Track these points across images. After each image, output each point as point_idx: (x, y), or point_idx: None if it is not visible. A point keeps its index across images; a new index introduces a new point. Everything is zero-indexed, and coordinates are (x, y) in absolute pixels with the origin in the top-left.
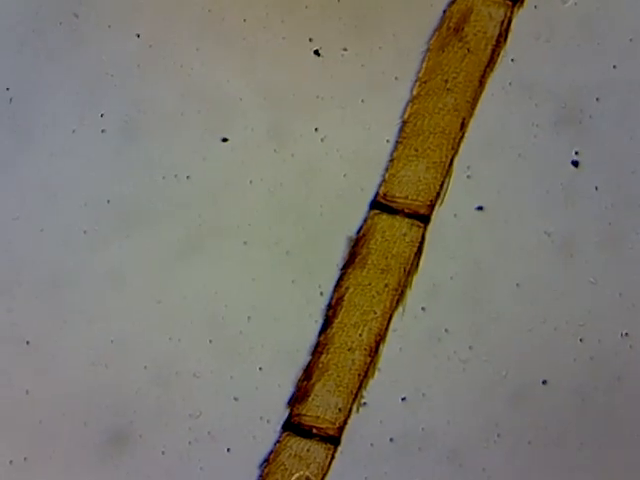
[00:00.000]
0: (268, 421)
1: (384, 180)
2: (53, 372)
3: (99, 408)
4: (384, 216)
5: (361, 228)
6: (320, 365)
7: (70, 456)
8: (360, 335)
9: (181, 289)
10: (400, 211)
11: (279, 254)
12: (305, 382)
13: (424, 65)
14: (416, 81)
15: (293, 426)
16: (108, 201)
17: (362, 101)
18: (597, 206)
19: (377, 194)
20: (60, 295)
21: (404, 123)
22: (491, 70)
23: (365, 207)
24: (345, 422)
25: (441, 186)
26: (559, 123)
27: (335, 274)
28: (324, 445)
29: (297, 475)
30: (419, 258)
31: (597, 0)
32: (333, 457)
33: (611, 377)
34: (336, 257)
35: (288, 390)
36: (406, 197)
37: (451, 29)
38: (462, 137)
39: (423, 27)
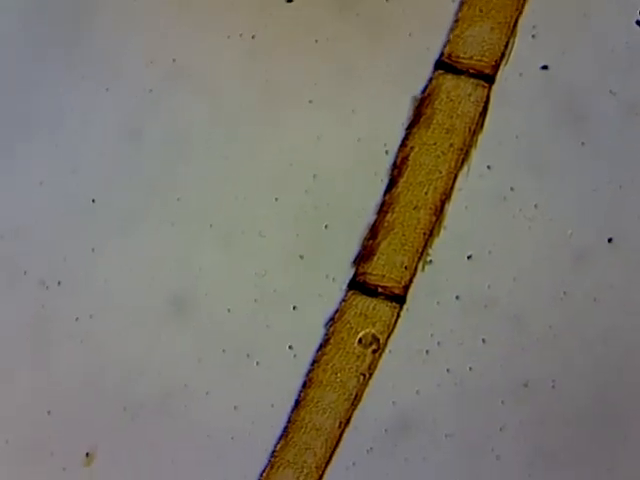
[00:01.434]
0: (334, 279)
1: (449, 41)
2: (119, 233)
3: (165, 266)
4: (449, 76)
5: (426, 88)
6: (386, 224)
7: (137, 314)
8: (425, 194)
9: (247, 147)
10: (465, 71)
11: (344, 113)
12: (371, 241)
13: None
14: None
15: (359, 285)
16: None
17: None
18: None
19: (442, 54)
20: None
21: None
22: None
23: (430, 67)
24: (410, 280)
25: (506, 46)
26: None
27: (400, 134)
28: (389, 304)
29: (363, 333)
30: (484, 118)
31: None
32: (399, 315)
33: None
34: (401, 117)
35: (353, 249)
36: (471, 57)
37: None
38: None
39: None
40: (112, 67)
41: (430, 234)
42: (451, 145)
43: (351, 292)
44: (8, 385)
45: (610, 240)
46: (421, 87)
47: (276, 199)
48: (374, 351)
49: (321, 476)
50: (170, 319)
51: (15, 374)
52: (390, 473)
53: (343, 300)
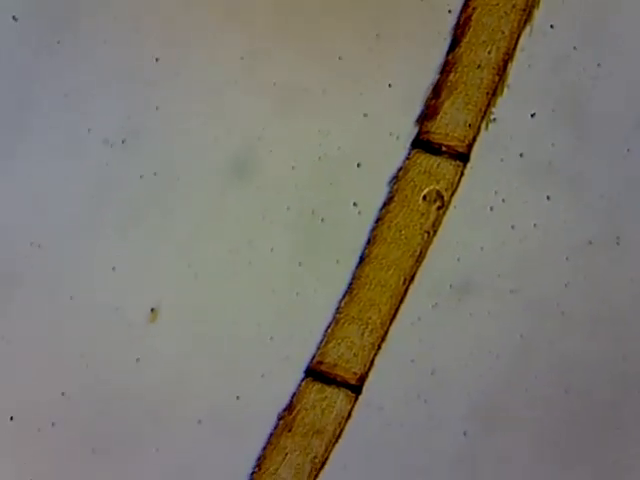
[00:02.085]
0: (397, 137)
1: None
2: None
3: (228, 125)
4: None
5: None
6: (449, 83)
7: (201, 174)
8: (489, 53)
9: None
10: None
11: None
12: (434, 100)
13: None
14: None
15: (422, 143)
16: None
17: None
18: None
19: None
20: None
21: None
22: None
23: None
24: (474, 139)
25: None
26: None
27: None
28: (453, 162)
29: (427, 190)
30: None
31: None
32: (462, 174)
33: None
34: None
35: (417, 108)
36: None
37: None
38: None
39: None
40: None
41: (493, 93)
42: (514, 6)
43: (415, 150)
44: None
45: None
46: None
47: (339, 58)
48: (438, 208)
49: (386, 332)
50: (234, 178)
51: (80, 231)
52: (455, 328)
53: (407, 158)
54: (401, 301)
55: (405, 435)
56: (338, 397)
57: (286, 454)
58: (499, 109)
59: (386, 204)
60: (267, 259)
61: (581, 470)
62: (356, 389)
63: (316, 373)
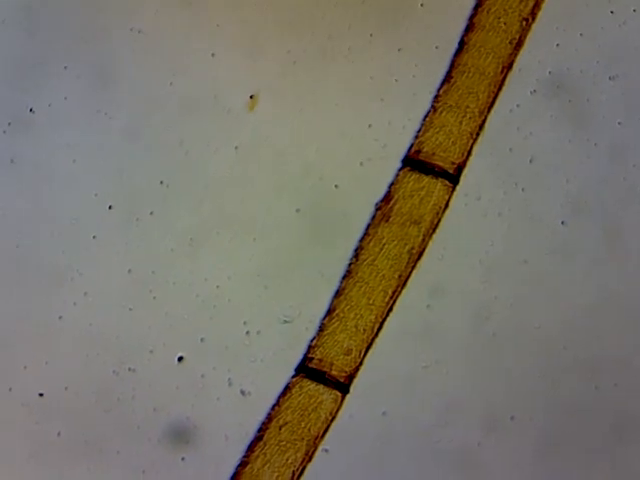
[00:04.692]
0: None
1: None
2: None
3: None
4: None
5: None
6: None
7: None
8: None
9: None
10: None
11: None
12: None
13: None
14: None
15: None
16: None
17: None
18: None
19: None
20: None
21: None
22: None
23: None
24: None
25: None
26: None
27: None
28: None
29: None
30: None
31: None
32: None
33: None
34: None
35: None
36: None
37: None
38: None
39: None
40: None
41: None
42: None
43: None
44: None
45: None
46: None
47: None
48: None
49: (484, 120)
50: None
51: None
52: (553, 114)
53: None
54: (499, 89)
55: (502, 224)
56: (436, 187)
57: (383, 245)
58: None
59: None
60: (365, 46)
61: None
62: (454, 179)
63: (414, 162)
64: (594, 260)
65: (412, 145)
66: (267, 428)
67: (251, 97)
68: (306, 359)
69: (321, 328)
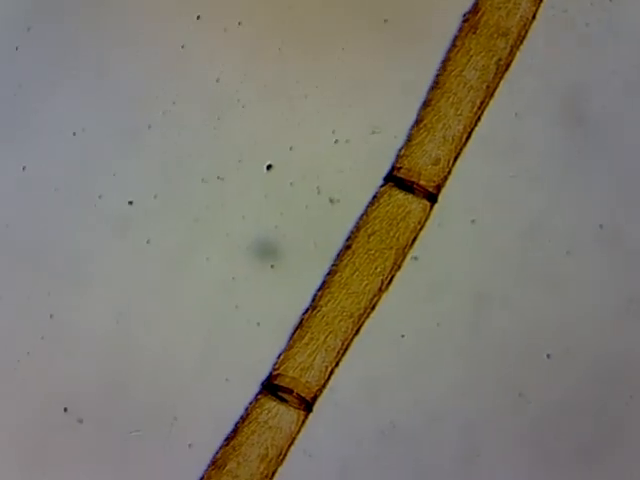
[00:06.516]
0: None
1: None
2: None
3: None
4: None
5: None
6: None
7: None
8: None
9: None
10: None
11: None
12: None
13: None
14: None
15: None
16: None
17: None
18: None
19: None
20: None
21: None
22: None
23: None
24: None
25: None
26: None
27: None
28: None
29: None
30: None
31: None
32: None
33: None
34: None
35: None
36: None
37: None
38: None
39: None
40: None
41: None
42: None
43: None
44: None
45: None
46: None
47: None
48: None
49: None
50: None
51: None
52: None
53: None
54: None
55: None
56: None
57: (471, 56)
58: None
59: None
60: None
61: None
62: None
63: None
64: None
65: None
66: (356, 237)
67: None
68: (394, 169)
69: (409, 138)
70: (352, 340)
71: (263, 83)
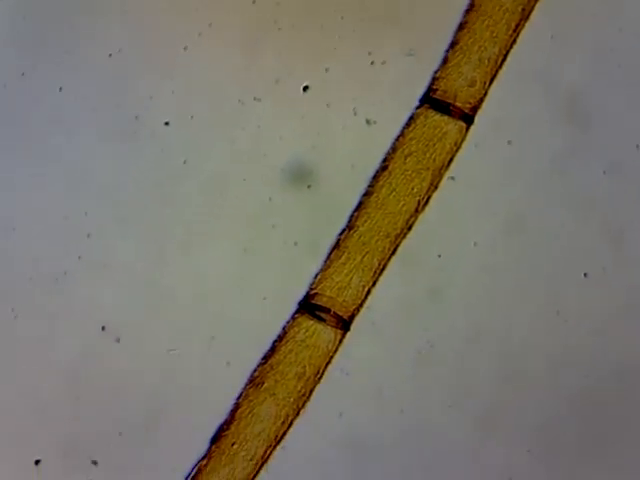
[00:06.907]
0: None
1: None
2: None
3: None
4: None
5: None
6: None
7: None
8: None
9: None
10: None
11: None
12: None
13: None
14: None
15: None
16: None
17: None
18: None
19: None
20: None
21: None
22: None
23: None
24: None
25: None
26: None
27: None
28: None
29: None
30: None
31: None
32: None
33: None
34: None
35: None
36: None
37: None
38: None
39: None
40: None
41: None
42: None
43: None
44: None
45: None
46: None
47: None
48: None
49: None
50: None
51: None
52: None
53: None
54: None
55: None
56: None
57: None
58: None
59: None
60: None
61: None
62: None
63: None
64: None
65: None
66: (392, 158)
67: None
68: (430, 90)
69: (445, 60)
70: (389, 260)
71: (299, 5)
